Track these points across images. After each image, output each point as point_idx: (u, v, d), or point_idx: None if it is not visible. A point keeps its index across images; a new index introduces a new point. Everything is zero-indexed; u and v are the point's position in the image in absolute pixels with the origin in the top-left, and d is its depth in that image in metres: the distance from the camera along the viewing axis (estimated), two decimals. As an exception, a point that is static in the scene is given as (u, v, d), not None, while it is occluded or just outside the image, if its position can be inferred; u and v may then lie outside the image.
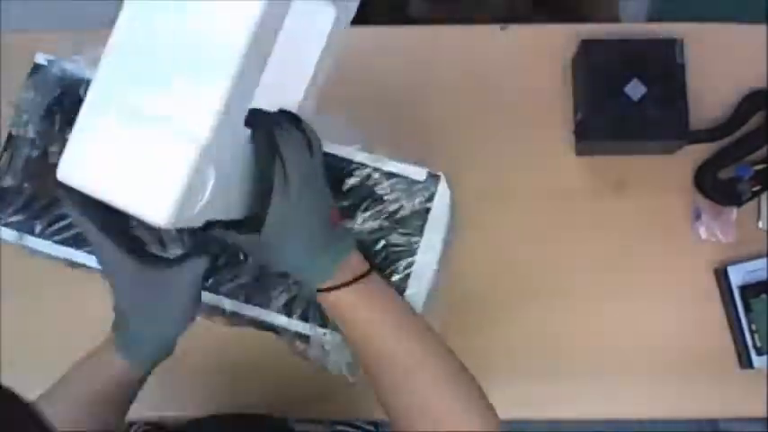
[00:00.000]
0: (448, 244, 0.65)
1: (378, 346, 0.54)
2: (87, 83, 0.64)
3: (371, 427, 1.16)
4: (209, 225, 0.56)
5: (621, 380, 0.73)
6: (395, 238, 0.64)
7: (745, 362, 0.72)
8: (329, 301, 0.56)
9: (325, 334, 0.62)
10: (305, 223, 0.54)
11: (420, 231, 0.64)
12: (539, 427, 1.03)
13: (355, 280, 0.55)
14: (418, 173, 0.65)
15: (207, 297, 0.64)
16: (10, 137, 0.66)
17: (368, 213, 0.64)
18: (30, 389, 0.72)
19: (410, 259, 0.64)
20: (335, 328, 0.63)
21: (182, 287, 0.53)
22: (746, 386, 0.72)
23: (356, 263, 0.57)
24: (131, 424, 0.72)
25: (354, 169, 0.65)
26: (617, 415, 0.73)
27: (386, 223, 0.64)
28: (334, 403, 0.73)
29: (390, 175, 0.65)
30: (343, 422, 0.77)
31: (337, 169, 0.65)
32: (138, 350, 0.55)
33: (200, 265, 0.53)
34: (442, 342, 0.55)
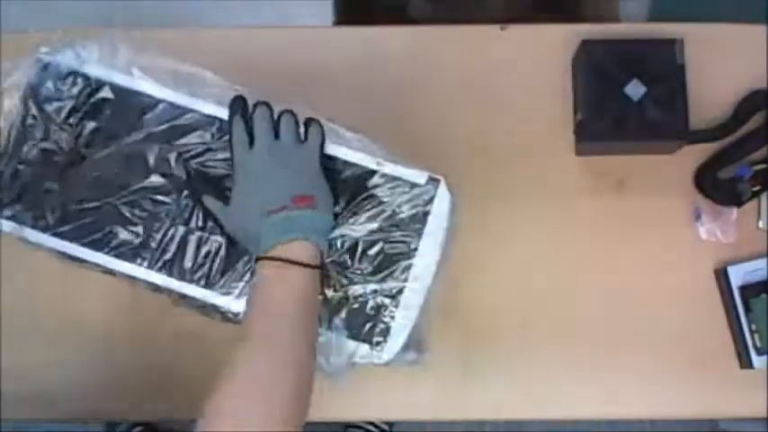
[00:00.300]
0: (447, 247, 0.65)
1: (263, 324, 0.55)
2: (87, 76, 0.65)
3: (386, 427, 1.16)
4: (201, 191, 0.62)
5: (621, 380, 0.73)
6: (394, 240, 0.64)
7: (745, 362, 0.72)
8: (264, 273, 0.57)
9: (320, 335, 0.62)
10: (264, 195, 0.58)
11: (419, 235, 0.64)
12: (539, 427, 1.03)
13: (299, 264, 0.56)
14: (419, 176, 0.65)
15: (200, 293, 0.64)
16: (12, 130, 0.66)
17: (367, 216, 0.64)
18: (26, 381, 0.72)
19: (408, 262, 0.64)
20: (329, 329, 0.63)
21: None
22: (746, 386, 0.72)
23: (310, 253, 0.58)
24: (118, 424, 0.71)
25: (355, 171, 0.65)
26: (617, 415, 0.73)
27: (385, 226, 0.64)
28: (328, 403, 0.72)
29: (391, 177, 0.65)
30: (355, 425, 0.76)
31: (338, 171, 0.65)
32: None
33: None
34: (310, 366, 0.57)
